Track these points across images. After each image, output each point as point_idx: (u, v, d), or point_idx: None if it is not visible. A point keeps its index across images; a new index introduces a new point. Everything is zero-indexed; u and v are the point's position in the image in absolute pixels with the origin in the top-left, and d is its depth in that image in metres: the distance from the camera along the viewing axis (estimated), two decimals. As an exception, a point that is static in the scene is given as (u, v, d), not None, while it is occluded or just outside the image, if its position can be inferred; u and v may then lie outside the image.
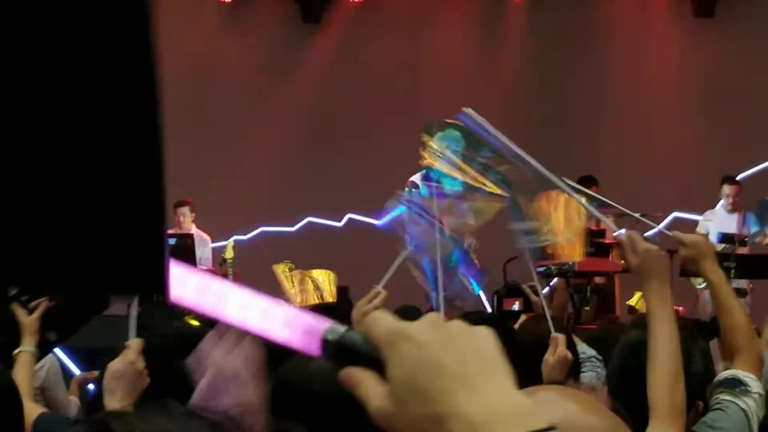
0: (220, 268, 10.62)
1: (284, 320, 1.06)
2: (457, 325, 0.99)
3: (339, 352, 1.03)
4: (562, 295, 10.46)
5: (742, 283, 10.42)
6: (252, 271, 11.04)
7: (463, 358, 0.95)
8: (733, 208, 11.11)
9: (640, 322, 3.35)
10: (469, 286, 4.61)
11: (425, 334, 0.96)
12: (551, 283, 10.33)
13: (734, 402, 2.91)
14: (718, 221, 11.01)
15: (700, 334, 3.28)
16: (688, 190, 12.91)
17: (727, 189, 11.17)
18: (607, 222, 3.84)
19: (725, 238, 10.38)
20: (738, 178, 11.59)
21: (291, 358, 2.38)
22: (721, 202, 11.35)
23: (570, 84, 13.89)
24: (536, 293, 4.94)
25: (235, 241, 11.14)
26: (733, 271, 9.81)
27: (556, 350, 3.69)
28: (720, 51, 13.91)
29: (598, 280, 10.28)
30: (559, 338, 3.74)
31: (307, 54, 14.56)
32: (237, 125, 13.74)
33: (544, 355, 3.73)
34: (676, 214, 12.60)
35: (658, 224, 11.48)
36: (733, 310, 3.14)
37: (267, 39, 14.45)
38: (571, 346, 3.85)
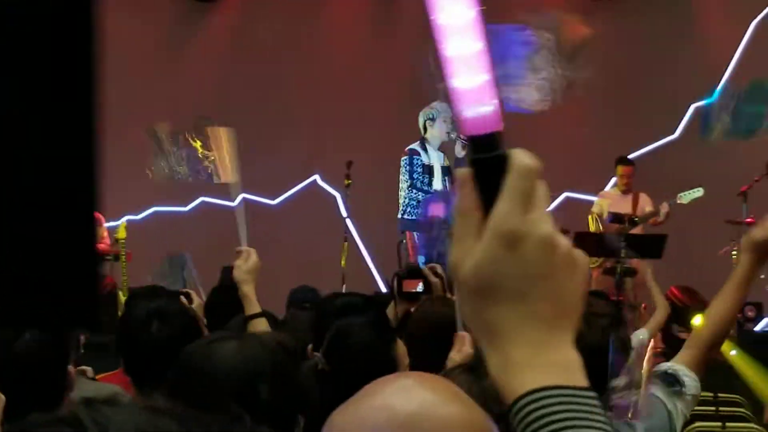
0: (112, 248, 10.46)
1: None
2: (571, 255, 1.00)
3: (482, 165, 0.98)
4: None
5: (635, 262, 10.60)
6: (144, 251, 10.92)
7: (551, 298, 0.98)
8: (627, 188, 11.27)
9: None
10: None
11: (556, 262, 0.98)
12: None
13: (663, 401, 2.88)
14: (612, 201, 11.18)
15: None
16: (579, 171, 13.07)
17: (620, 169, 11.33)
18: None
19: (616, 218, 10.54)
20: (630, 157, 11.76)
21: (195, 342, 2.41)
22: (614, 181, 11.52)
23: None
24: (436, 274, 4.92)
25: (127, 221, 10.97)
26: (623, 251, 9.99)
27: (462, 349, 3.58)
28: (614, 32, 14.08)
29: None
30: (466, 337, 3.61)
31: (202, 32, 14.40)
32: (132, 104, 13.51)
33: (436, 336, 3.70)
34: (567, 194, 12.76)
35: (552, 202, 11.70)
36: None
37: (161, 17, 14.25)
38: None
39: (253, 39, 14.03)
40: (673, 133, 13.55)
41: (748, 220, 10.79)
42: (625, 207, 10.96)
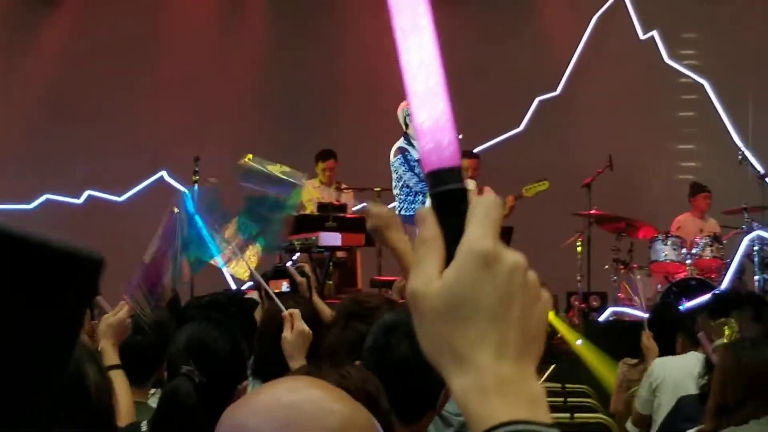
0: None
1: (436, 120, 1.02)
2: (537, 286, 1.00)
3: (444, 198, 1.01)
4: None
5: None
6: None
7: (520, 325, 0.98)
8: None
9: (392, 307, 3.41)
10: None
11: (515, 281, 0.98)
12: (294, 258, 10.30)
13: None
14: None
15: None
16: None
17: (466, 163, 11.40)
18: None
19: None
20: (475, 151, 11.89)
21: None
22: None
23: (311, 59, 13.90)
24: (303, 274, 4.90)
25: (-34, 219, 10.61)
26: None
27: (294, 326, 3.63)
28: (457, 26, 14.23)
29: (339, 254, 10.38)
30: (294, 314, 3.68)
31: (45, 28, 14.04)
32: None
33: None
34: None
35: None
36: None
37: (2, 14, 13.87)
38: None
39: (94, 39, 13.74)
40: (518, 126, 13.78)
41: (593, 211, 11.05)
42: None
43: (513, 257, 0.98)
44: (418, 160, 9.13)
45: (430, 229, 1.00)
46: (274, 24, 14.28)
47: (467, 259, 0.97)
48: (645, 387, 5.48)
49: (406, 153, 9.32)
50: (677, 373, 5.19)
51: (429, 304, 0.98)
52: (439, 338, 0.98)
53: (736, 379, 3.74)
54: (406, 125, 9.39)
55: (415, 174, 9.20)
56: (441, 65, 1.06)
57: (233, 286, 8.14)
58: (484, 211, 0.99)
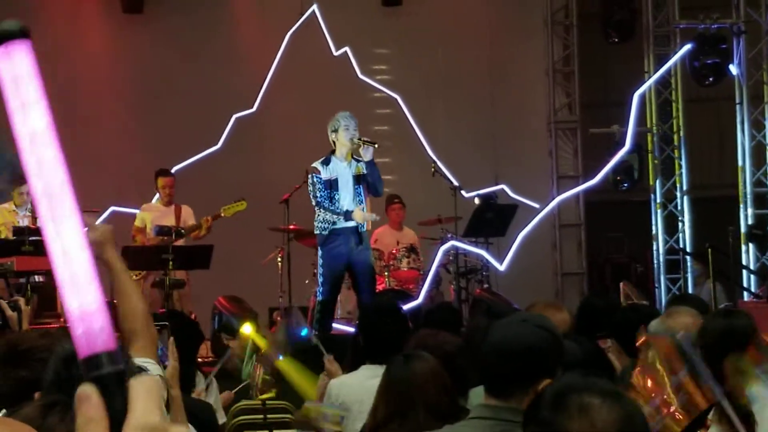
0: None
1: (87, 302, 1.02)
2: None
3: (101, 381, 1.02)
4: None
5: (182, 274, 10.54)
6: None
7: None
8: (169, 200, 11.17)
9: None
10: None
11: None
12: None
13: None
14: (155, 215, 11.04)
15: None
16: (124, 184, 12.86)
17: (161, 181, 11.20)
18: None
19: (162, 230, 10.43)
20: (172, 170, 11.69)
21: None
22: (157, 195, 11.39)
23: None
24: (15, 308, 4.60)
25: None
26: (171, 262, 9.89)
27: None
28: (150, 47, 13.99)
29: (38, 278, 10.00)
30: None
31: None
32: None
33: None
34: (113, 208, 12.51)
35: (98, 218, 11.36)
36: (131, 295, 3.37)
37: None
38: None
39: None
40: (216, 144, 13.66)
41: (291, 226, 11.05)
42: (168, 219, 10.85)
43: (177, 428, 1.03)
44: (326, 181, 8.95)
45: (96, 408, 1.02)
46: None
47: None
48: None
49: (315, 175, 9.11)
50: (358, 391, 4.99)
51: None
52: None
53: (382, 396, 3.74)
54: (334, 142, 9.21)
55: (317, 199, 9.02)
56: (88, 252, 1.05)
57: None
58: (145, 389, 1.03)
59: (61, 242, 1.05)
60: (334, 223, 9.04)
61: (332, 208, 9.04)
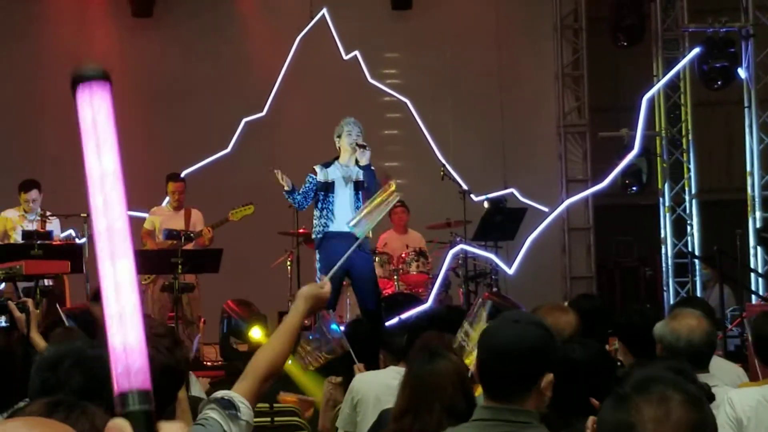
0: None
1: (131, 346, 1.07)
2: None
3: (133, 417, 1.07)
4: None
5: (191, 278, 10.57)
6: None
7: None
8: (179, 204, 11.20)
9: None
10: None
11: None
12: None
13: (219, 422, 2.85)
14: (164, 218, 11.08)
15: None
16: (134, 188, 12.84)
17: (171, 186, 11.24)
18: None
19: (171, 234, 10.46)
20: (182, 175, 11.72)
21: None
22: (167, 199, 11.42)
23: (7, 81, 13.36)
24: (23, 309, 4.64)
25: None
26: (180, 266, 9.92)
27: None
28: (161, 50, 14.03)
29: (47, 282, 10.02)
30: None
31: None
32: None
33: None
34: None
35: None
36: (285, 344, 3.20)
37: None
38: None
39: None
40: (225, 147, 13.69)
41: (301, 230, 11.08)
42: (178, 223, 10.89)
43: None
44: (320, 183, 8.97)
45: None
46: None
47: None
48: (347, 403, 5.48)
49: (310, 175, 9.13)
50: (378, 388, 5.20)
51: None
52: None
53: (402, 390, 3.79)
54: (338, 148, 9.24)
55: (305, 198, 9.05)
56: (137, 293, 1.10)
57: None
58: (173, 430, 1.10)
59: (114, 279, 1.09)
60: (326, 226, 9.05)
61: (292, 197, 9.11)
